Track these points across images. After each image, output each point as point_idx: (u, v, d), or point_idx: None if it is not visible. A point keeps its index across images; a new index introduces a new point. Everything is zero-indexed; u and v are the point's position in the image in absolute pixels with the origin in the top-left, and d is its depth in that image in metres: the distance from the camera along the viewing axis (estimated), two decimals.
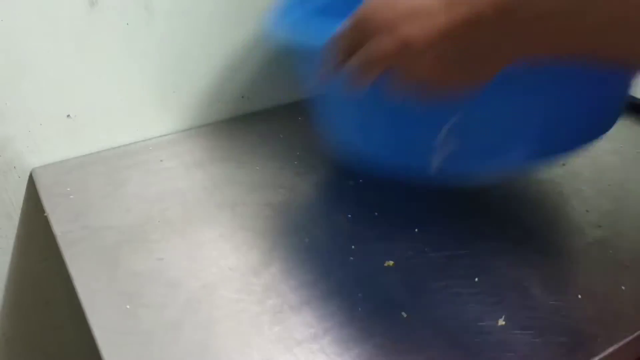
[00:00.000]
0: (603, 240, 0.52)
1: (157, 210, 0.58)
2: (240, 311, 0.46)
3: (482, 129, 0.45)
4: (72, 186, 0.61)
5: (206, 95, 0.73)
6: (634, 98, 0.73)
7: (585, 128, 0.48)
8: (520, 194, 0.59)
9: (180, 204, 0.59)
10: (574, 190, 0.59)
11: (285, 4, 0.58)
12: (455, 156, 0.45)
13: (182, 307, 0.46)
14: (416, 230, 0.54)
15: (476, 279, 0.48)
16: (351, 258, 0.51)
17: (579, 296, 0.46)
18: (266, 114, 0.78)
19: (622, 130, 0.69)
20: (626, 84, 0.50)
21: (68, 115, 0.65)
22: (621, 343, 0.42)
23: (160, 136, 0.72)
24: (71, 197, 0.60)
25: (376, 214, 0.57)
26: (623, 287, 0.47)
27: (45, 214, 0.58)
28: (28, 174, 0.66)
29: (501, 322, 0.44)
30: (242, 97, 0.76)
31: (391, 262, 0.50)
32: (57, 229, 0.55)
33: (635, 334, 0.43)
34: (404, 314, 0.45)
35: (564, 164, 0.63)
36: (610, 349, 0.42)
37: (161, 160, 0.66)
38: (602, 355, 0.41)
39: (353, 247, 0.52)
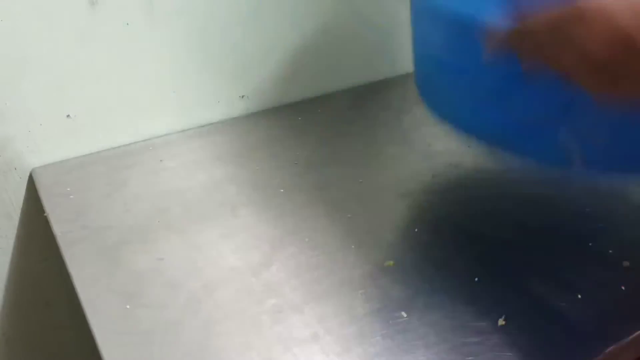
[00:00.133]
0: (603, 240, 0.52)
1: (157, 210, 0.58)
2: (240, 311, 0.46)
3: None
4: (72, 186, 0.61)
5: (206, 95, 0.73)
6: None
7: None
8: (520, 193, 0.59)
9: (180, 204, 0.59)
10: (574, 190, 0.59)
11: None
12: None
13: (182, 307, 0.46)
14: (416, 230, 0.54)
15: (476, 279, 0.48)
16: (351, 258, 0.51)
17: (579, 296, 0.46)
18: (266, 114, 0.78)
19: None
20: None
21: (68, 115, 0.65)
22: (621, 343, 0.42)
23: (160, 136, 0.72)
24: (71, 197, 0.60)
25: (376, 214, 0.57)
26: (623, 287, 0.47)
27: (45, 214, 0.58)
28: (28, 174, 0.65)
29: (501, 322, 0.44)
30: (242, 97, 0.76)
31: (391, 262, 0.50)
32: (57, 229, 0.55)
33: (635, 334, 0.43)
34: (404, 314, 0.45)
35: None
36: (610, 349, 0.42)
37: (161, 160, 0.66)
38: (602, 355, 0.41)
39: (353, 247, 0.52)
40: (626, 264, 0.49)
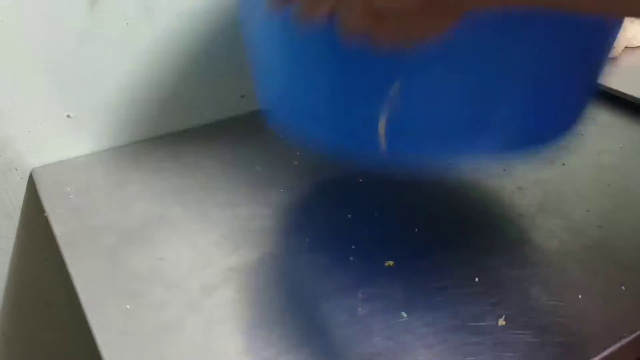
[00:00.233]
0: (603, 240, 0.52)
1: (157, 210, 0.58)
2: (240, 311, 0.46)
3: (434, 98, 0.39)
4: (72, 186, 0.61)
5: (206, 95, 0.73)
6: (633, 97, 0.73)
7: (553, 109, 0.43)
8: (520, 193, 0.59)
9: (180, 204, 0.59)
10: (574, 190, 0.59)
11: None
12: (407, 130, 0.39)
13: (182, 307, 0.46)
14: (416, 230, 0.54)
15: (476, 279, 0.48)
16: (351, 258, 0.51)
17: (579, 296, 0.46)
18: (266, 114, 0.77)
19: (622, 130, 0.69)
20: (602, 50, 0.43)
21: (68, 115, 0.65)
22: (621, 343, 0.42)
23: (161, 136, 0.72)
24: (71, 197, 0.60)
25: (376, 214, 0.57)
26: (623, 287, 0.47)
27: (45, 214, 0.58)
28: (28, 174, 0.66)
29: (501, 322, 0.44)
30: (242, 97, 0.76)
31: (391, 262, 0.50)
32: (57, 229, 0.55)
33: (635, 334, 0.43)
34: (404, 314, 0.45)
35: (563, 164, 0.63)
36: (610, 349, 0.42)
37: (161, 160, 0.66)
38: (602, 355, 0.41)
39: (353, 247, 0.52)
40: (626, 264, 0.49)
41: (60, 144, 0.66)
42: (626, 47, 0.87)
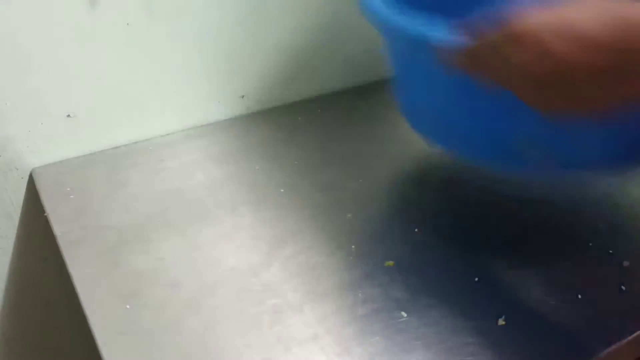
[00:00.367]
0: (603, 240, 0.52)
1: (157, 210, 0.58)
2: (240, 311, 0.46)
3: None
4: (72, 186, 0.61)
5: (206, 95, 0.73)
6: None
7: None
8: (520, 193, 0.59)
9: (180, 204, 0.59)
10: (574, 190, 0.59)
11: None
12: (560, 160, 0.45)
13: (182, 307, 0.46)
14: (416, 230, 0.54)
15: (476, 279, 0.48)
16: (351, 258, 0.51)
17: (579, 296, 0.46)
18: (266, 114, 0.78)
19: None
20: None
21: (68, 115, 0.65)
22: (621, 343, 0.42)
23: (161, 136, 0.72)
24: (71, 197, 0.60)
25: (376, 214, 0.57)
26: (623, 287, 0.47)
27: (45, 214, 0.58)
28: (28, 174, 0.65)
29: (501, 322, 0.44)
30: (242, 97, 0.76)
31: (391, 262, 0.50)
32: (57, 229, 0.55)
33: (635, 334, 0.43)
34: (404, 314, 0.45)
35: None
36: (610, 349, 0.42)
37: (161, 160, 0.66)
38: (602, 355, 0.42)
39: (353, 247, 0.52)
40: (626, 264, 0.49)
41: (60, 144, 0.66)
42: None
